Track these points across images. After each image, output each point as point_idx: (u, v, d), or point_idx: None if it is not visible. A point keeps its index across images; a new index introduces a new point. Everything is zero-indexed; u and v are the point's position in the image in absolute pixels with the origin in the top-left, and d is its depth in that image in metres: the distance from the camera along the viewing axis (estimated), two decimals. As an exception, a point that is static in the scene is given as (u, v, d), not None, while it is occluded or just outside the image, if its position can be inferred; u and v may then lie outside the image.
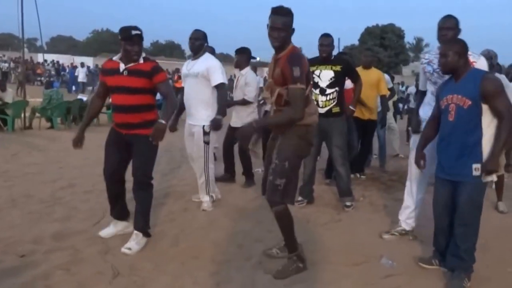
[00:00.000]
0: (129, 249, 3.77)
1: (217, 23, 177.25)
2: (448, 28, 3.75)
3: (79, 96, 12.39)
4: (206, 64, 4.70)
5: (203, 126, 4.70)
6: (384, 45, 38.92)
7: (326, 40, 5.07)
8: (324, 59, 5.05)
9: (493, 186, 5.30)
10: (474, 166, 3.20)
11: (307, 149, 3.48)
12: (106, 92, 3.93)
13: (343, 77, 5.16)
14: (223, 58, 58.70)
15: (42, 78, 27.68)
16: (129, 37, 3.64)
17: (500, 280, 3.52)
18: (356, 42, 49.33)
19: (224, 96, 4.84)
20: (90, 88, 23.44)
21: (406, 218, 4.30)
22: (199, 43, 4.80)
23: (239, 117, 5.81)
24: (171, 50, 69.69)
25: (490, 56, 4.96)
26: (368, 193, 5.88)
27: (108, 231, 4.09)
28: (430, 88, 4.03)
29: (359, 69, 5.91)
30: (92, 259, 3.60)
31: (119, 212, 4.11)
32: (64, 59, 41.72)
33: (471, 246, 3.35)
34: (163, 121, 3.66)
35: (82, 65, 27.30)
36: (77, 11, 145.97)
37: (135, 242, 3.83)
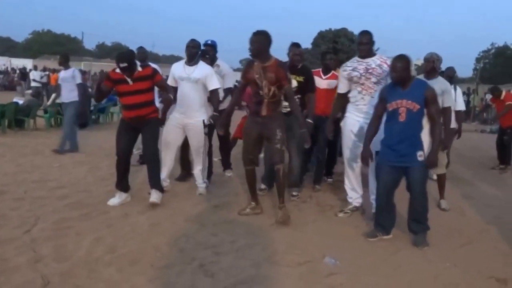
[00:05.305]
0: (156, 198, 5.00)
1: (162, 22, 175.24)
2: (365, 43, 4.76)
3: (15, 99, 11.78)
4: (204, 72, 5.33)
5: (203, 120, 5.38)
6: (337, 49, 39.59)
7: (299, 50, 5.47)
8: (292, 68, 5.20)
9: (434, 177, 5.62)
10: (418, 153, 4.08)
11: None
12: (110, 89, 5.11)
13: (304, 87, 5.40)
14: (166, 59, 57.26)
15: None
16: (119, 68, 4.75)
17: (441, 275, 3.60)
18: (309, 46, 49.80)
19: (218, 97, 5.56)
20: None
21: (355, 198, 5.06)
22: (196, 51, 5.41)
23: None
24: (118, 52, 67.87)
25: (432, 60, 5.20)
26: (315, 193, 5.91)
27: (114, 201, 5.03)
28: (357, 88, 4.82)
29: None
30: (21, 268, 3.36)
31: (124, 185, 5.12)
32: (1, 61, 39.86)
33: (426, 208, 4.23)
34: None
35: (36, 68, 25.19)
36: (16, 10, 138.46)
37: (157, 194, 5.03)
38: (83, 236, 4.07)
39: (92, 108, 12.85)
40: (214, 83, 5.38)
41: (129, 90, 4.88)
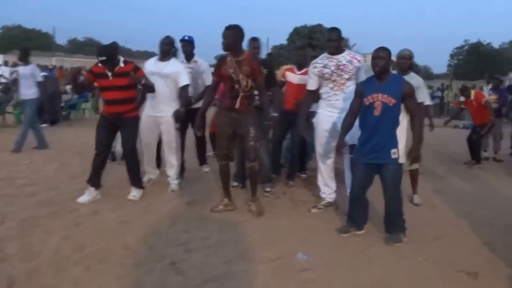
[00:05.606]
0: (134, 196, 5.12)
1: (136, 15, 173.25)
2: (334, 40, 4.76)
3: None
4: (175, 68, 5.39)
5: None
6: (313, 45, 39.90)
7: (257, 44, 5.53)
8: None
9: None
10: (392, 150, 4.02)
11: None
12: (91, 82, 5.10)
13: (268, 80, 5.38)
14: (140, 55, 56.57)
15: None
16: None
17: (413, 269, 3.63)
18: (285, 42, 49.84)
19: (187, 94, 5.57)
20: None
21: (328, 194, 5.09)
22: (169, 48, 5.46)
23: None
24: (91, 48, 66.72)
25: (410, 56, 5.27)
26: (289, 189, 5.89)
27: (84, 198, 4.96)
28: (329, 85, 4.83)
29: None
30: (-15, 268, 3.26)
31: (96, 181, 5.04)
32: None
33: (400, 210, 4.19)
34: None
35: (6, 63, 24.40)
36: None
37: (136, 192, 5.16)
38: (51, 234, 3.98)
39: (63, 104, 12.60)
40: (184, 80, 5.42)
41: (109, 85, 4.88)
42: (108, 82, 4.87)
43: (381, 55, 4.01)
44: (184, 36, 6.00)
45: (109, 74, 4.83)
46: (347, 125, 4.30)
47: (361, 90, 4.15)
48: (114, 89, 4.87)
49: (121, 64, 4.88)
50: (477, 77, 31.59)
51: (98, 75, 4.92)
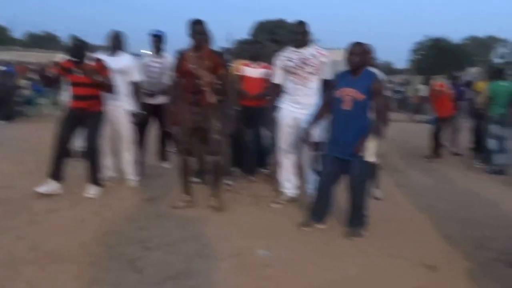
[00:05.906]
0: (93, 193, 5.04)
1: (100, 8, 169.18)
2: (300, 32, 4.78)
3: None
4: (127, 62, 5.42)
5: (133, 110, 5.45)
6: (276, 40, 39.88)
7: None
8: None
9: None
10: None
11: None
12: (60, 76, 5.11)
13: None
14: (100, 49, 55.46)
15: None
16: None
17: (373, 263, 3.68)
18: (248, 36, 49.51)
19: (138, 90, 5.58)
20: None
21: (290, 189, 5.12)
22: (117, 43, 5.49)
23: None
24: (48, 41, 64.82)
25: (370, 51, 5.26)
26: (250, 184, 5.87)
27: (42, 188, 4.87)
28: (292, 78, 4.81)
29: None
30: None
31: (57, 173, 4.95)
32: None
33: (363, 205, 4.24)
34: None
35: None
36: None
37: (94, 189, 5.08)
38: (4, 234, 3.87)
39: (20, 99, 12.20)
40: (136, 76, 5.48)
41: (77, 81, 4.97)
42: (78, 78, 4.93)
43: (356, 51, 4.04)
44: (156, 31, 5.96)
45: (79, 71, 4.90)
46: (318, 116, 4.34)
47: (336, 83, 4.20)
48: (83, 86, 4.94)
49: (91, 62, 4.92)
50: (438, 72, 32.25)
51: (68, 70, 4.98)
